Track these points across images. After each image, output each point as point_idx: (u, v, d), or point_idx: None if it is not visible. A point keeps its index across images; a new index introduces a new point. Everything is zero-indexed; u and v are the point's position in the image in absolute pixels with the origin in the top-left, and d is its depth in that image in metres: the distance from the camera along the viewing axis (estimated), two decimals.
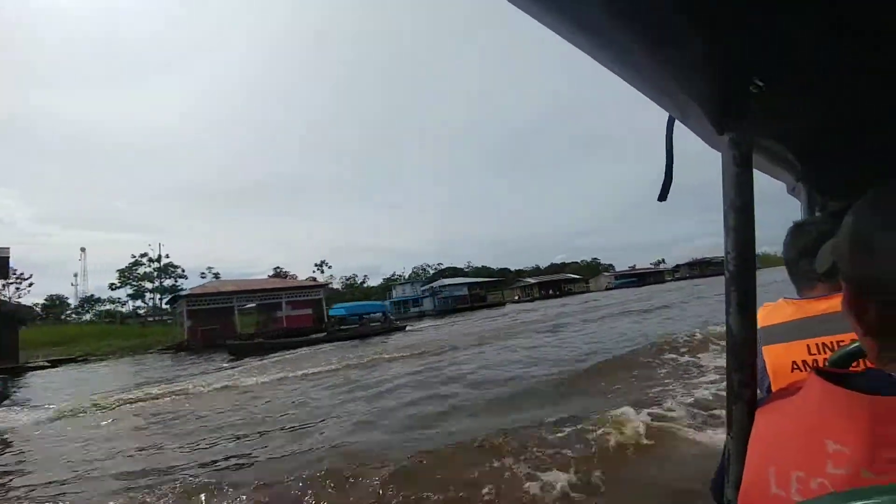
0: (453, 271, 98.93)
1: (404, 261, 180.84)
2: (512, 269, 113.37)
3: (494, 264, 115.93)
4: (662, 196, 0.71)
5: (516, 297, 70.90)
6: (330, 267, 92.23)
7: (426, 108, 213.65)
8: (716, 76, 0.58)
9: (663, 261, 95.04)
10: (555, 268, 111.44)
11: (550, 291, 71.20)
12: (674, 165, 0.70)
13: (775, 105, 0.77)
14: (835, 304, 0.81)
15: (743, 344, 0.61)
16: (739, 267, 0.60)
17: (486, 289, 66.28)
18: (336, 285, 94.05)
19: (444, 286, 63.46)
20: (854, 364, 0.66)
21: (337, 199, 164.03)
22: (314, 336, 27.75)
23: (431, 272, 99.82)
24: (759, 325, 0.76)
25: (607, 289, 71.04)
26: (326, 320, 31.73)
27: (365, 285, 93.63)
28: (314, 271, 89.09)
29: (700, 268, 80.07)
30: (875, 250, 0.45)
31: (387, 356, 13.80)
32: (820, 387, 0.48)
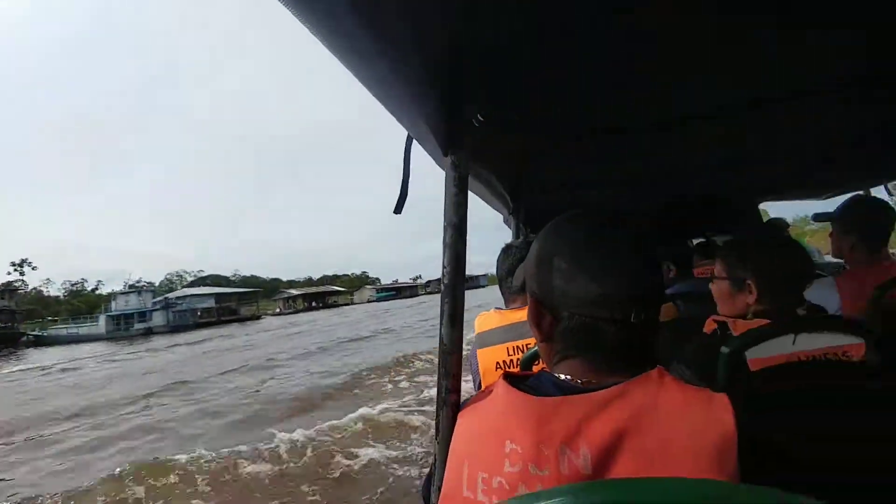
0: (216, 280, 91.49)
1: (160, 266, 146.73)
2: (284, 279, 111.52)
3: (267, 274, 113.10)
4: (397, 209, 0.75)
5: (278, 310, 65.11)
6: (35, 268, 67.61)
7: (194, 92, 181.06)
8: (444, 104, 0.66)
9: (420, 276, 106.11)
10: (327, 279, 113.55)
11: (314, 303, 68.10)
12: (409, 181, 0.75)
13: (492, 140, 1.12)
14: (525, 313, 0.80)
15: (451, 352, 0.68)
16: (452, 281, 0.68)
17: (241, 300, 58.19)
18: (56, 291, 75.76)
19: (183, 297, 52.56)
20: (536, 363, 0.80)
21: (67, 186, 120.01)
22: None
23: (190, 279, 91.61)
24: (476, 332, 1.27)
25: (369, 301, 73.39)
26: None
27: (98, 292, 75.86)
28: (10, 273, 63.32)
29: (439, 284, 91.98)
30: (553, 269, 0.56)
31: None
32: (503, 390, 0.56)
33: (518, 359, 1.18)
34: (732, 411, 0.46)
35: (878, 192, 2.49)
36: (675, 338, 1.59)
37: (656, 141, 1.81)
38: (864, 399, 0.91)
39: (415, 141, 0.78)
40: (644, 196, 3.31)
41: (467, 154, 0.69)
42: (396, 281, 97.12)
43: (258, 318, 50.77)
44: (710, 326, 1.17)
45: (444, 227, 0.69)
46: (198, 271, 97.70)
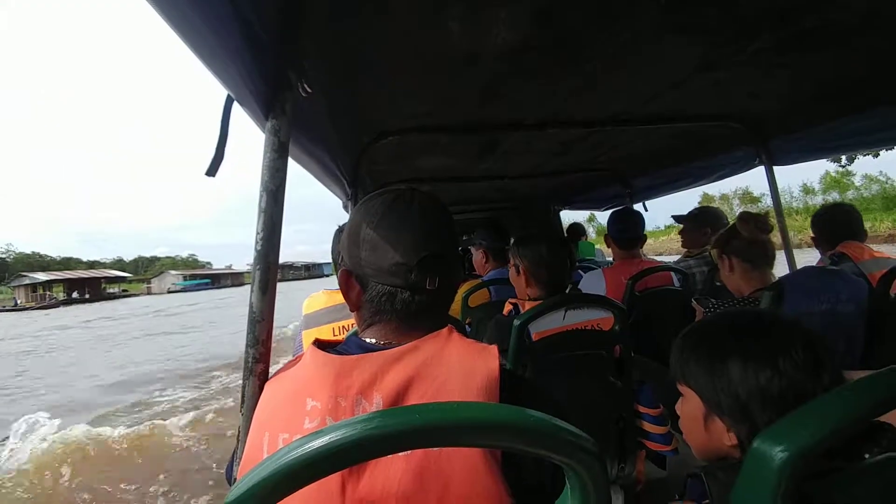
0: None
1: None
2: (85, 259, 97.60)
3: (63, 252, 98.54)
4: (210, 172, 0.72)
5: (18, 301, 49.08)
6: None
7: None
8: (264, 65, 0.66)
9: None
10: (143, 262, 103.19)
11: (77, 294, 52.87)
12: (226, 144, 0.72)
13: (327, 121, 1.29)
14: None
15: (261, 320, 0.68)
16: (265, 248, 0.68)
17: None
18: None
19: None
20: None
21: None
22: None
23: None
24: (303, 313, 1.35)
25: (170, 291, 61.90)
26: None
27: None
28: None
29: (282, 271, 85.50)
30: (359, 241, 0.62)
31: None
32: (310, 354, 0.59)
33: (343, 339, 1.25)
34: (498, 358, 0.58)
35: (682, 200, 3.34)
36: (486, 316, 1.89)
37: (487, 143, 2.09)
38: (597, 361, 1.29)
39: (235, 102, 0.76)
40: (478, 194, 3.76)
41: (289, 121, 0.71)
42: (230, 267, 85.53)
43: None
44: (507, 308, 1.43)
45: (260, 192, 0.69)
46: None
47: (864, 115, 1.62)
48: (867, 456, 0.50)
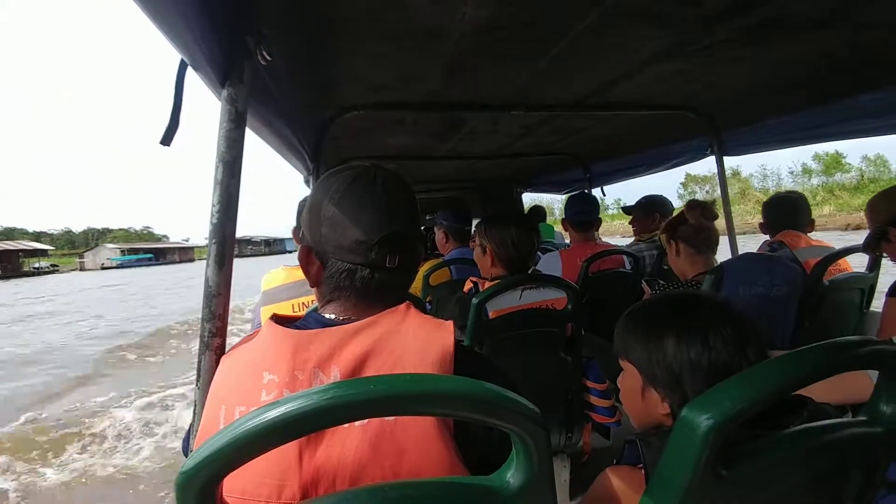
0: None
1: None
2: (31, 230, 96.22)
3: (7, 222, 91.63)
4: (165, 141, 0.71)
5: None
6: None
7: None
8: (225, 31, 0.65)
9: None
10: (94, 233, 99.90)
11: None
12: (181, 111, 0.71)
13: (289, 92, 1.25)
14: None
15: (217, 294, 0.69)
16: (222, 220, 0.68)
17: None
18: None
19: None
20: None
21: None
22: None
23: None
24: (262, 290, 1.35)
25: (104, 267, 57.14)
26: None
27: None
28: None
29: (239, 247, 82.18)
30: (320, 217, 0.62)
31: None
32: (268, 328, 0.60)
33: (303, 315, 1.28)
34: (453, 333, 0.61)
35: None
36: (446, 294, 1.94)
37: (451, 122, 2.08)
38: (549, 338, 1.36)
39: (190, 69, 0.75)
40: (441, 173, 3.76)
41: (246, 90, 0.69)
42: (187, 240, 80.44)
43: None
44: (467, 286, 1.47)
45: (216, 163, 0.68)
46: None
47: (817, 109, 1.71)
48: (793, 426, 0.56)
